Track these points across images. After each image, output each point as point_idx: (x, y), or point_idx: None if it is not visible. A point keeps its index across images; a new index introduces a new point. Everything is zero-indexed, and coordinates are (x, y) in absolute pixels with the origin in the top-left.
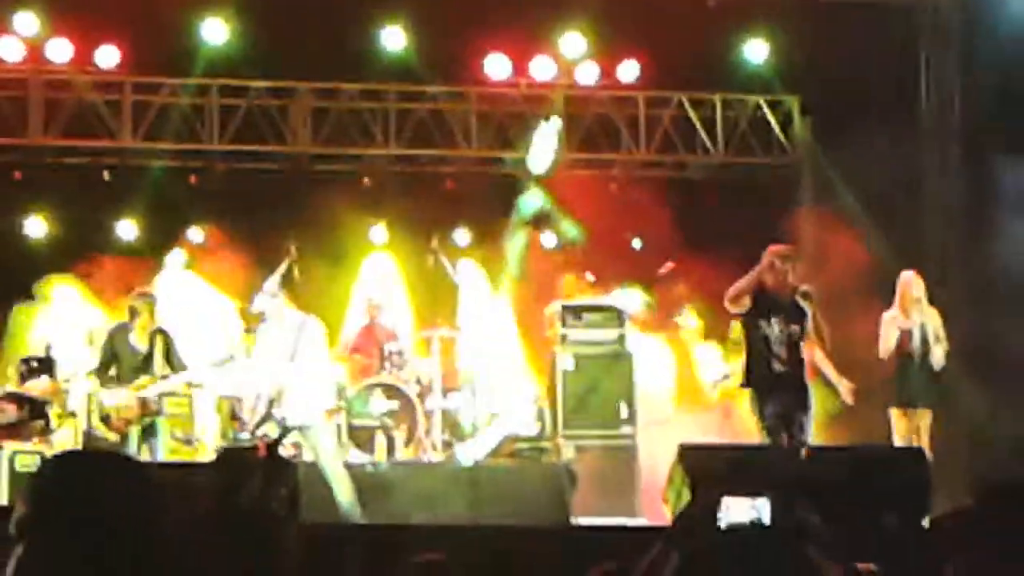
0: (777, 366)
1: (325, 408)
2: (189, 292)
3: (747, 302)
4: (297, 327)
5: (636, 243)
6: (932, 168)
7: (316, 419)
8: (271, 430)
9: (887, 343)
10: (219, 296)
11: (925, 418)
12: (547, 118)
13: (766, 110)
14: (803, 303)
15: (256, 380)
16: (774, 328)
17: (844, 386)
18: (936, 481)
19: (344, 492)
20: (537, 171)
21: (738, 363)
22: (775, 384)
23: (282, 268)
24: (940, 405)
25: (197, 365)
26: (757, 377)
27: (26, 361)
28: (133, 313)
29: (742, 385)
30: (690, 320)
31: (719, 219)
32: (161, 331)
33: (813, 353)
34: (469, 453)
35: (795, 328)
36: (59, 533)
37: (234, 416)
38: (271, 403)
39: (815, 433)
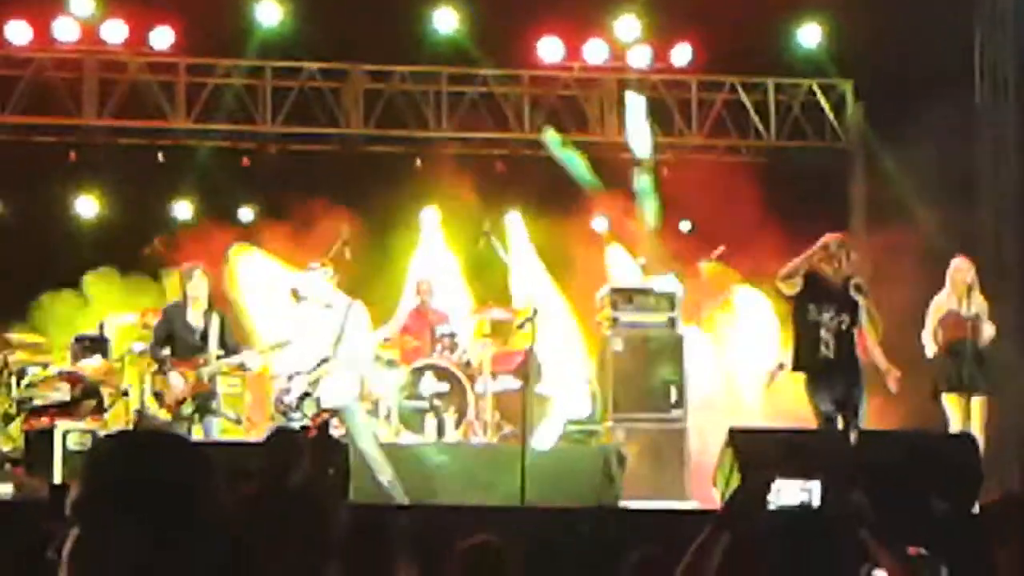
0: (825, 352)
1: (361, 391)
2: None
3: (799, 283)
4: (344, 310)
5: (684, 226)
6: (986, 154)
7: (352, 401)
8: (308, 410)
9: (934, 327)
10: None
11: (978, 404)
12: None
13: (819, 95)
14: (855, 294)
15: (299, 361)
16: (824, 315)
17: (892, 375)
18: (987, 467)
19: (384, 473)
20: (641, 154)
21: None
22: (827, 369)
23: (333, 250)
24: (993, 391)
25: (251, 348)
26: (808, 362)
27: (79, 340)
28: (186, 292)
29: (793, 368)
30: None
31: (771, 204)
32: (216, 310)
33: (864, 340)
34: (544, 440)
35: (845, 317)
36: (114, 513)
37: (277, 398)
38: (311, 385)
39: (868, 418)
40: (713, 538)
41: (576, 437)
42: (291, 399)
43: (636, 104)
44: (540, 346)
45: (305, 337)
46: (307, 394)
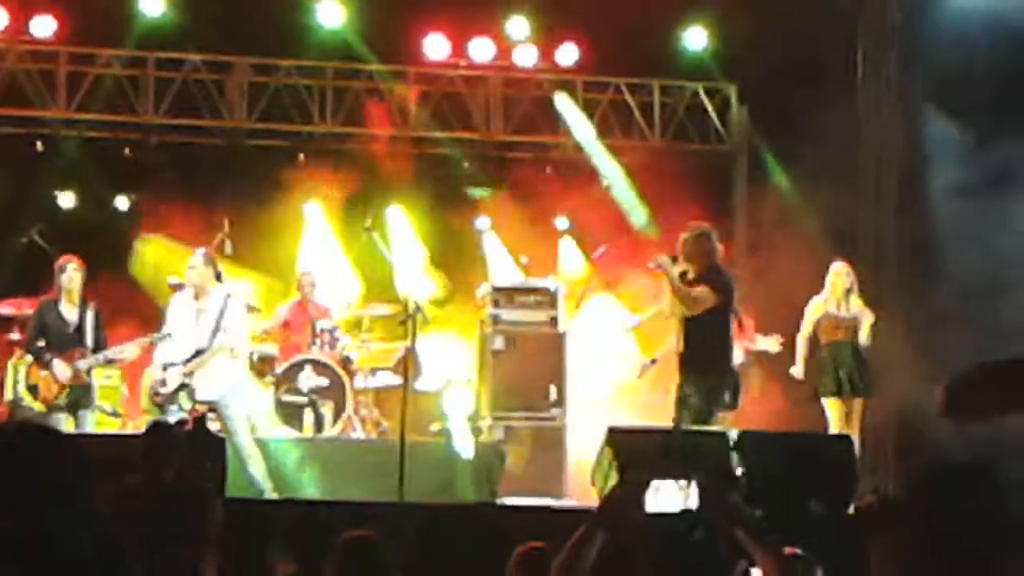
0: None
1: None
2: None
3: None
4: (221, 299)
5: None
6: (869, 156)
7: (227, 393)
8: (184, 402)
9: (809, 330)
10: None
11: (856, 406)
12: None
13: (704, 97)
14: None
15: (175, 352)
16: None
17: (771, 342)
18: (864, 468)
19: (256, 467)
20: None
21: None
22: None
23: (214, 243)
24: (870, 393)
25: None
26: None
27: None
28: (60, 285)
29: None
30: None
31: (655, 205)
32: (90, 304)
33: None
34: (466, 446)
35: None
36: None
37: (153, 390)
38: (186, 376)
39: (752, 421)
40: (588, 536)
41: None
42: (167, 390)
43: (564, 103)
44: (420, 342)
45: (182, 328)
46: (184, 385)
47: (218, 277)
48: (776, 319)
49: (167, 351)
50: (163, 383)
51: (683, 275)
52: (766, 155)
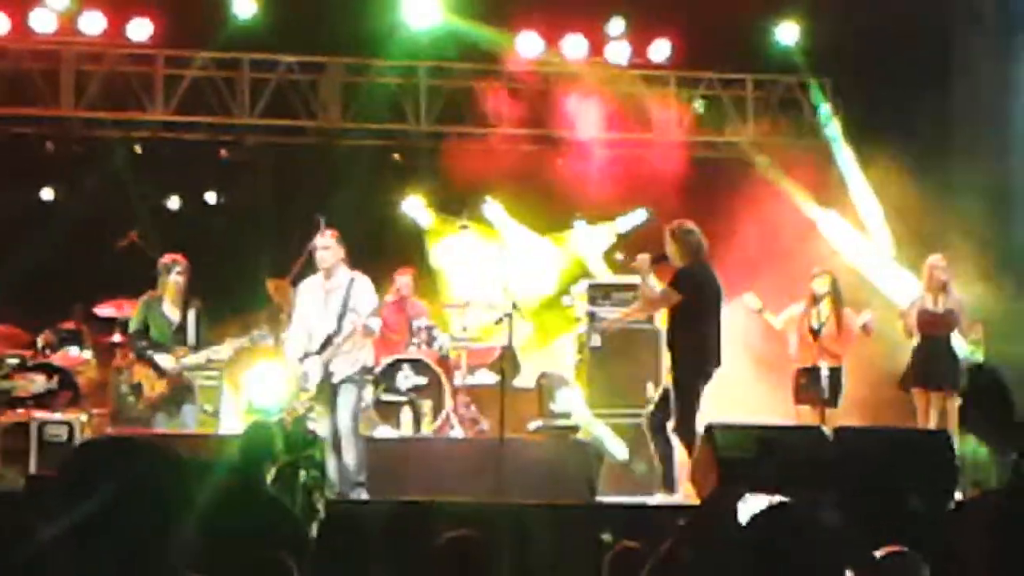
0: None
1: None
2: None
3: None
4: (347, 280)
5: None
6: (961, 151)
7: (352, 373)
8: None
9: (910, 324)
10: None
11: (953, 401)
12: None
13: (797, 91)
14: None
15: (307, 343)
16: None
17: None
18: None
19: (352, 456)
20: None
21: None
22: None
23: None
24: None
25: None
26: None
27: (56, 331)
28: (164, 284)
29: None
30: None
31: (747, 199)
32: (193, 303)
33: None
34: (617, 447)
35: None
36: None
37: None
38: (325, 366)
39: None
40: (679, 547)
41: (555, 431)
42: (313, 383)
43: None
44: (517, 340)
45: (313, 314)
46: (329, 374)
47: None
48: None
49: (299, 342)
50: (306, 377)
51: None
52: (860, 148)
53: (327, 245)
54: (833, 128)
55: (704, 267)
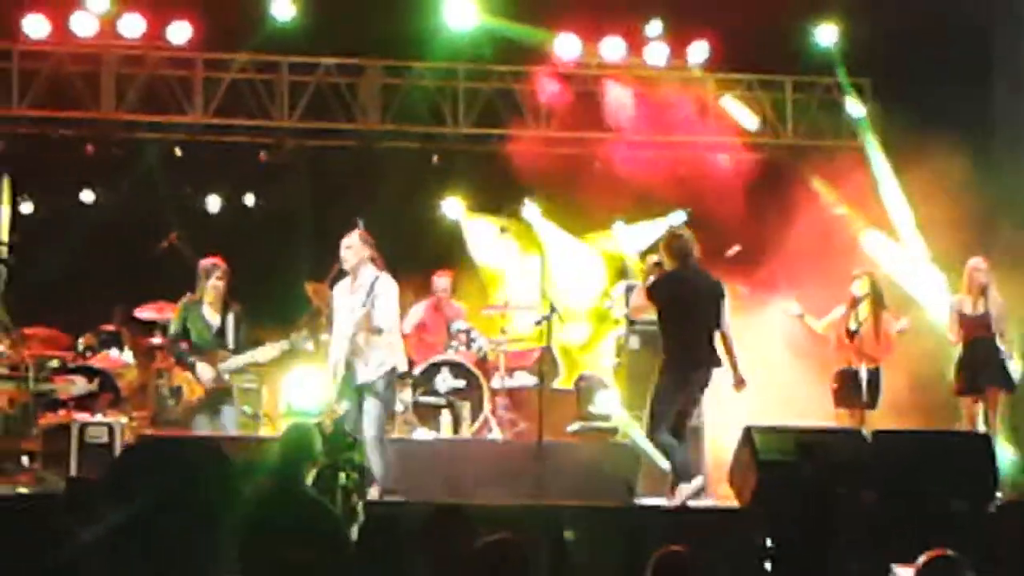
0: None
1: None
2: None
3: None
4: (371, 278)
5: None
6: (1003, 151)
7: (374, 379)
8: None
9: (954, 327)
10: None
11: (994, 403)
12: None
13: (836, 93)
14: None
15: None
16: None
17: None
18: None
19: (377, 461)
20: None
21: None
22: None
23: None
24: (1010, 390)
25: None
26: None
27: (96, 333)
28: (204, 286)
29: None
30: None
31: (789, 201)
32: (232, 306)
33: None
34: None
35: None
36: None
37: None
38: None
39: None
40: None
41: (593, 434)
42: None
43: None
44: (556, 343)
45: (346, 317)
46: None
47: (372, 260)
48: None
49: (338, 345)
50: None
51: None
52: (900, 149)
53: (349, 244)
54: (869, 129)
55: (687, 272)
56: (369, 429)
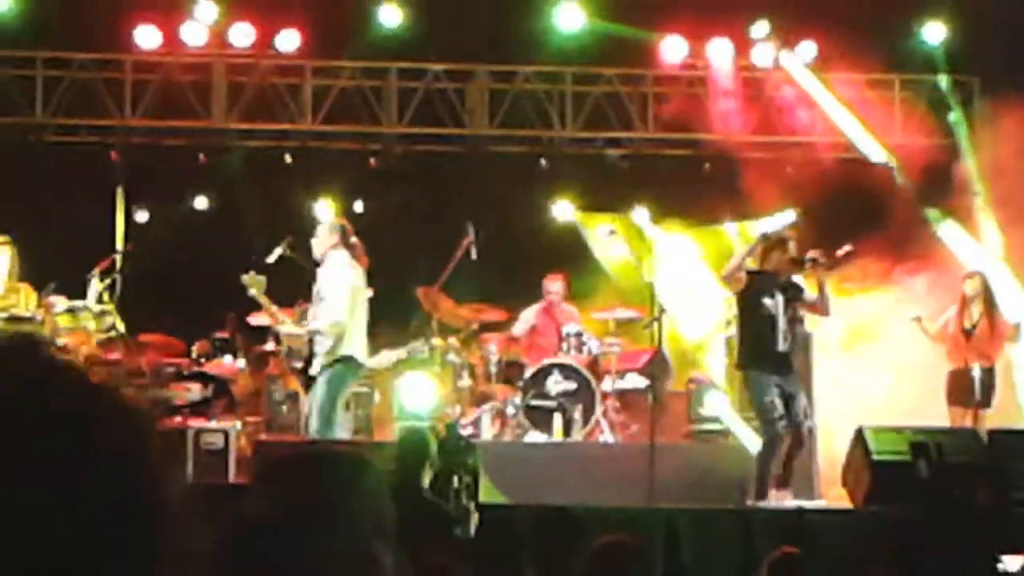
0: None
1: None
2: None
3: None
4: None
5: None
6: None
7: (318, 370)
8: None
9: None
10: None
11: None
12: None
13: (944, 91)
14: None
15: None
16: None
17: None
18: None
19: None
20: None
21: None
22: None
23: (460, 251)
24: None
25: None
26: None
27: (210, 340)
28: None
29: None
30: None
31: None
32: None
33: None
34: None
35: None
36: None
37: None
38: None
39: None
40: None
41: (704, 437)
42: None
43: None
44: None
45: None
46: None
47: (346, 244)
48: None
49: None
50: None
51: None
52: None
53: (316, 234)
54: (965, 127)
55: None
56: (312, 424)
